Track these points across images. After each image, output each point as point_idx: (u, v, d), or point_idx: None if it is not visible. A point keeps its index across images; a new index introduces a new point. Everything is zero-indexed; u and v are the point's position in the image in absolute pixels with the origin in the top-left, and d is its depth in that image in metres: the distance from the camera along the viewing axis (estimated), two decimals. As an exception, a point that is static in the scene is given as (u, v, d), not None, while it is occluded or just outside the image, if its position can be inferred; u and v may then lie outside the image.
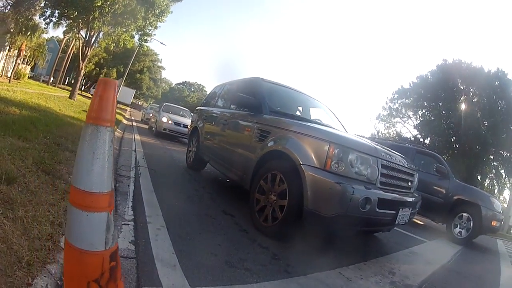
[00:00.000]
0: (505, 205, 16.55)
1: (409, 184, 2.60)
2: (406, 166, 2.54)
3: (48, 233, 1.40)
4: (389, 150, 2.52)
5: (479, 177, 19.85)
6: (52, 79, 31.13)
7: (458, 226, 4.97)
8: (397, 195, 2.31)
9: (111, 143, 0.89)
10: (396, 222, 2.31)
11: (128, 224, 1.84)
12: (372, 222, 2.16)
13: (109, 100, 0.89)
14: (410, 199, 2.50)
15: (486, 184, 20.24)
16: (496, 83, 19.64)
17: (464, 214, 4.94)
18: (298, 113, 3.67)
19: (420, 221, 6.82)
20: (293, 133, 2.39)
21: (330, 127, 3.12)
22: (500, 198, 19.58)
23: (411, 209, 2.51)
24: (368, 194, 1.97)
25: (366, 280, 1.99)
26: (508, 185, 20.36)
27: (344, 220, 1.97)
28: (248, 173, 2.70)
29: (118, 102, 29.63)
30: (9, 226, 1.34)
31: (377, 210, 2.05)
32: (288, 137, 2.41)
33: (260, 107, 2.98)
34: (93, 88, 34.68)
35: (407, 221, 2.51)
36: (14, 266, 1.10)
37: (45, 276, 1.11)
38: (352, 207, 1.91)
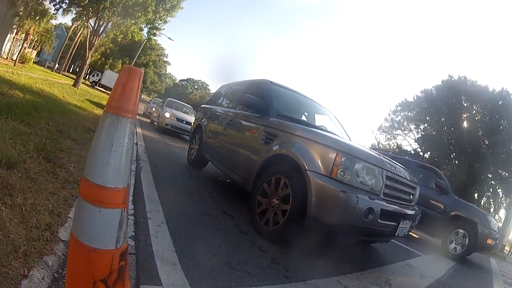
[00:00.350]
0: (500, 224, 16.56)
1: (411, 197, 2.60)
2: (409, 179, 2.54)
3: (46, 222, 1.36)
4: (394, 162, 2.51)
5: (476, 195, 19.86)
6: (57, 65, 31.13)
7: (454, 242, 4.96)
8: (399, 207, 2.30)
9: (131, 136, 0.85)
10: (396, 234, 2.31)
11: (128, 219, 1.81)
12: (373, 232, 2.14)
13: (133, 89, 0.84)
14: (411, 212, 2.49)
15: (482, 202, 20.25)
16: (500, 102, 19.71)
17: (460, 231, 4.93)
18: (303, 118, 3.66)
19: (416, 235, 6.81)
20: (300, 138, 2.37)
21: (335, 134, 3.10)
22: (496, 217, 19.58)
23: (411, 221, 2.50)
24: (371, 204, 1.96)
25: (363, 290, 1.97)
26: (505, 204, 20.36)
27: (346, 228, 1.96)
28: (251, 175, 2.68)
29: (102, 86, 29.16)
30: (6, 213, 1.30)
31: (379, 221, 2.03)
32: (294, 141, 2.39)
33: (268, 109, 2.95)
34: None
35: (406, 233, 2.50)
36: (10, 255, 1.06)
37: (41, 268, 1.08)
38: (355, 216, 1.90)
